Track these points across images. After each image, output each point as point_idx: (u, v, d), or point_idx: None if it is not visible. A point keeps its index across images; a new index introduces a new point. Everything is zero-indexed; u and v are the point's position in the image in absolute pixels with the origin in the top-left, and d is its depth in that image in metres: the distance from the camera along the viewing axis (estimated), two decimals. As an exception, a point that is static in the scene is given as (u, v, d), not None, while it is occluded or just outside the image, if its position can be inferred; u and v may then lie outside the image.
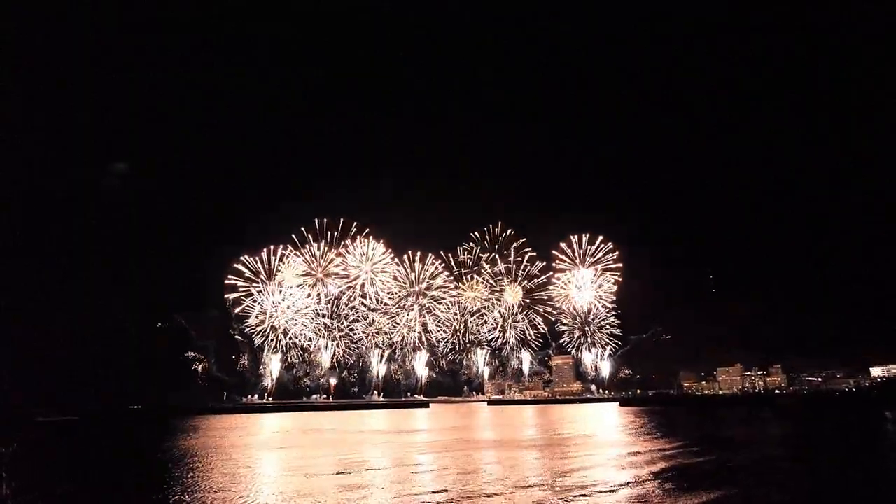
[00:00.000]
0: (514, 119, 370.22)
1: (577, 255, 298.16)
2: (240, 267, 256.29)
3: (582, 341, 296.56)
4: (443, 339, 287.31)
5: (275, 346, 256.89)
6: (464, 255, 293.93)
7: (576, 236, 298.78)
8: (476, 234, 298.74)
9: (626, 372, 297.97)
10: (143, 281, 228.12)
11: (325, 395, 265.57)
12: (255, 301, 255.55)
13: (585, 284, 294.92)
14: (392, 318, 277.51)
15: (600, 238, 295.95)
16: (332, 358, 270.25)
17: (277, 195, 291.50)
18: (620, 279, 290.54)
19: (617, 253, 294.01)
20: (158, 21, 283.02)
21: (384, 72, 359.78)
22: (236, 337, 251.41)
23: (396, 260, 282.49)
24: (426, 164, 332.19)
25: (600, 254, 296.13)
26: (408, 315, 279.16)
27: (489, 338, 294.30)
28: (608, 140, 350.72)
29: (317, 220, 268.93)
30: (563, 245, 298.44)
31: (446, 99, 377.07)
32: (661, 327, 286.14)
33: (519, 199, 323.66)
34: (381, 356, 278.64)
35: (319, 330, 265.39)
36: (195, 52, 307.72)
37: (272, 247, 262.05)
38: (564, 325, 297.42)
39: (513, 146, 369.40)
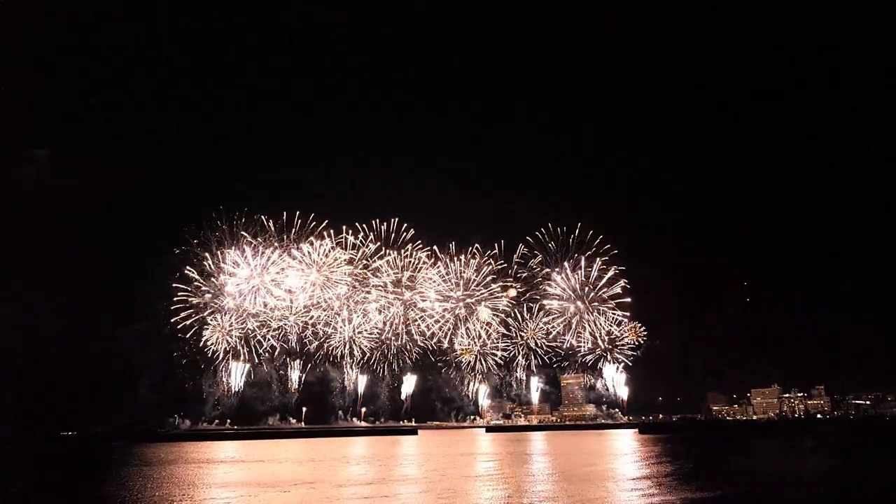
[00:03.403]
0: (514, 119, 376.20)
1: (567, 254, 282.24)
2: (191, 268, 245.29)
3: (593, 357, 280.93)
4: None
5: (227, 360, 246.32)
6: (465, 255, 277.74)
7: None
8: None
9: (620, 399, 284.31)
10: (74, 285, 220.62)
11: (278, 419, 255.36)
12: (206, 305, 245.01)
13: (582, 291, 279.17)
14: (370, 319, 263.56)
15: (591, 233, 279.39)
16: (303, 374, 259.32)
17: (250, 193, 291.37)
18: (627, 285, 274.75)
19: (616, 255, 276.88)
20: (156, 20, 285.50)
21: (384, 72, 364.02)
22: (184, 348, 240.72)
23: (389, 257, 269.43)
24: (422, 164, 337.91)
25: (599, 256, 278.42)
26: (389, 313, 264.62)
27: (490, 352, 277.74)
28: (619, 142, 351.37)
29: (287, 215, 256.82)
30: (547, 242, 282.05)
31: (446, 99, 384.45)
32: (658, 341, 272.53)
33: (523, 203, 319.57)
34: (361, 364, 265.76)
35: (286, 339, 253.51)
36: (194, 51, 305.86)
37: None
38: (579, 339, 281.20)
39: (514, 148, 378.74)
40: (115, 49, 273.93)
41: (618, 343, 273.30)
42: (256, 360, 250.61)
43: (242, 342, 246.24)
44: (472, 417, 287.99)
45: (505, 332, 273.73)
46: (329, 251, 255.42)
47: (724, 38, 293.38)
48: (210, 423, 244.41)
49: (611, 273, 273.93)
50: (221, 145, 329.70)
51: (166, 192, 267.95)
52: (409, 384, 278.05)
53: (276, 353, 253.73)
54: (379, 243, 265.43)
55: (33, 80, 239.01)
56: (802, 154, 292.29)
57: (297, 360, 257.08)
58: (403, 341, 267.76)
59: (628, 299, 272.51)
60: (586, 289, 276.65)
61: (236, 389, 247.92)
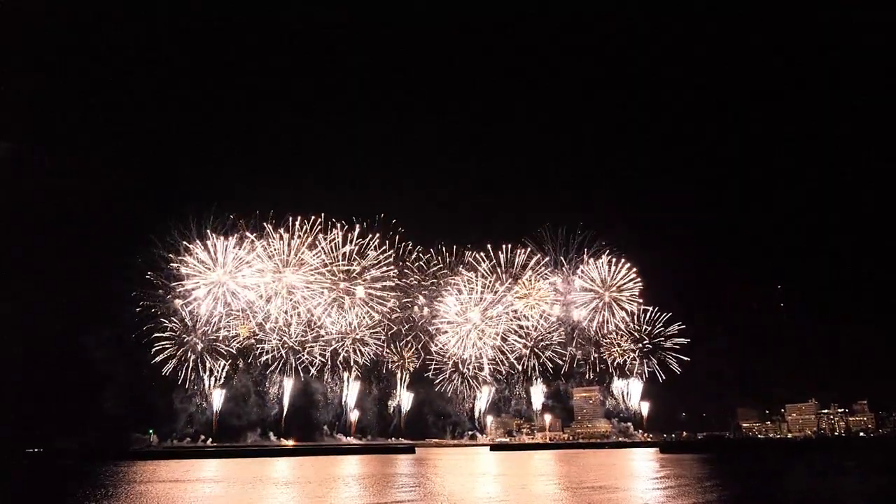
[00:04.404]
0: (514, 119, 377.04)
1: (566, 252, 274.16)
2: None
3: (596, 375, 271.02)
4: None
5: (199, 373, 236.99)
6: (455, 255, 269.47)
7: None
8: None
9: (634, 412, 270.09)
10: (41, 285, 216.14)
11: (259, 435, 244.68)
12: (175, 312, 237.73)
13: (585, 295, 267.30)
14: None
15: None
16: (282, 387, 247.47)
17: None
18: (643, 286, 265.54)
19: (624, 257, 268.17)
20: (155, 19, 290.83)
21: (384, 72, 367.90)
22: (151, 359, 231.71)
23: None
24: (422, 164, 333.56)
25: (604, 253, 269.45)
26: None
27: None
28: (619, 142, 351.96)
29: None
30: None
31: (446, 99, 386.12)
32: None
33: (523, 203, 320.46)
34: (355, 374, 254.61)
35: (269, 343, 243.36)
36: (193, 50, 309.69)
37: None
38: (581, 345, 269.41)
39: (514, 148, 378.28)
40: (115, 49, 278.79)
41: (630, 355, 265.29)
42: (232, 373, 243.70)
43: (214, 354, 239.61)
44: (470, 434, 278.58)
45: (503, 341, 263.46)
46: (301, 246, 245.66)
47: (724, 38, 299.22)
48: (181, 440, 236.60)
49: (621, 275, 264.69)
50: (221, 145, 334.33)
51: (167, 192, 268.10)
52: (399, 397, 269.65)
53: (252, 366, 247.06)
54: (369, 237, 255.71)
55: (33, 80, 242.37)
56: (802, 154, 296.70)
57: (277, 372, 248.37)
58: (393, 353, 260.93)
59: (653, 308, 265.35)
60: (591, 293, 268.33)
61: (204, 404, 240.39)
